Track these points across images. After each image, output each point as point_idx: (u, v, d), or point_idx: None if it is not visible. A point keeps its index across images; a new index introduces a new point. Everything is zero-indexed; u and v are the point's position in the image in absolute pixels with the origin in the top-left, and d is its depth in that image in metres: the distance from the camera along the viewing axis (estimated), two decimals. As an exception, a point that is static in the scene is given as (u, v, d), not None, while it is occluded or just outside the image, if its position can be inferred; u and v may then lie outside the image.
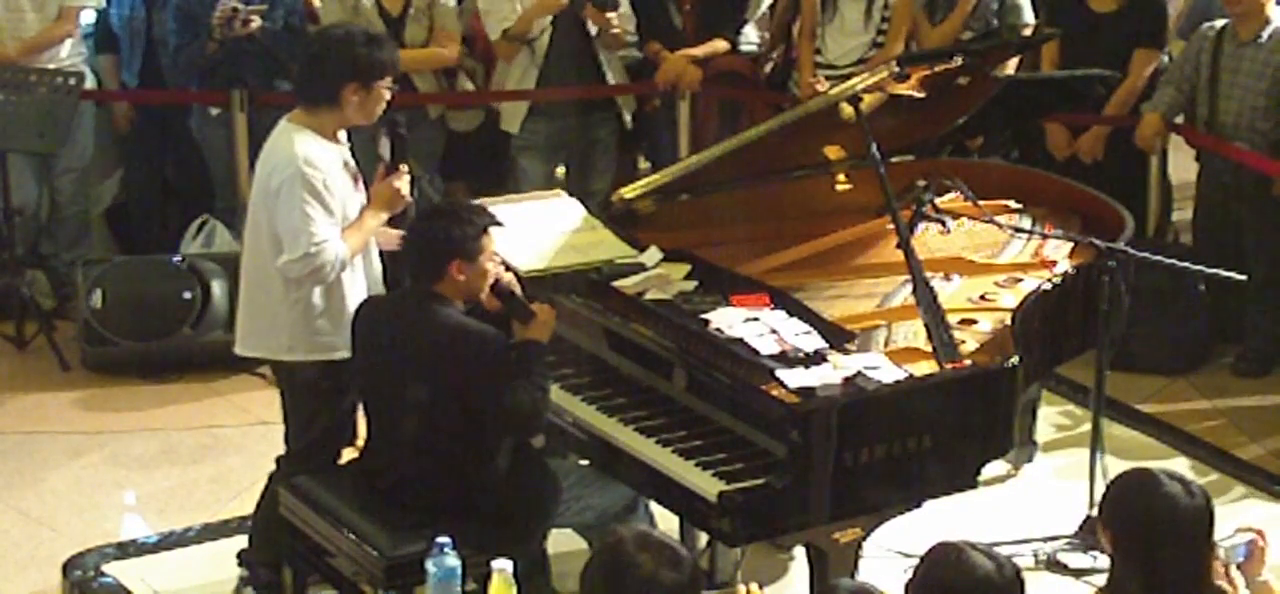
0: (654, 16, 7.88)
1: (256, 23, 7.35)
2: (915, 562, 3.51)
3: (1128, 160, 7.49)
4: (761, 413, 4.55)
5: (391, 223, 5.23)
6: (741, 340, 4.67)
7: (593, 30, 7.60)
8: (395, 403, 4.77)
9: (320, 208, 4.92)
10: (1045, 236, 5.59)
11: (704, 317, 4.82)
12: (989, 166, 6.56)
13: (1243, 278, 5.87)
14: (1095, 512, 4.90)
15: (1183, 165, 7.87)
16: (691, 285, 5.08)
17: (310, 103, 5.05)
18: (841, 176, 5.58)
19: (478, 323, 4.73)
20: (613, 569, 3.40)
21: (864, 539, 4.59)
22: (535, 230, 5.37)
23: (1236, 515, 5.30)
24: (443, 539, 4.28)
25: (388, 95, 5.07)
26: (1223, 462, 6.51)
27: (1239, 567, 3.93)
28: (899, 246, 4.97)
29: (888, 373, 4.56)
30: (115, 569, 5.67)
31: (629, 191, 5.57)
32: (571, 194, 5.91)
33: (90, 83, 7.73)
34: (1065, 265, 5.47)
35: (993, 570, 3.43)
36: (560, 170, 8.06)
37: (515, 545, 4.47)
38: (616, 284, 5.12)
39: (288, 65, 7.63)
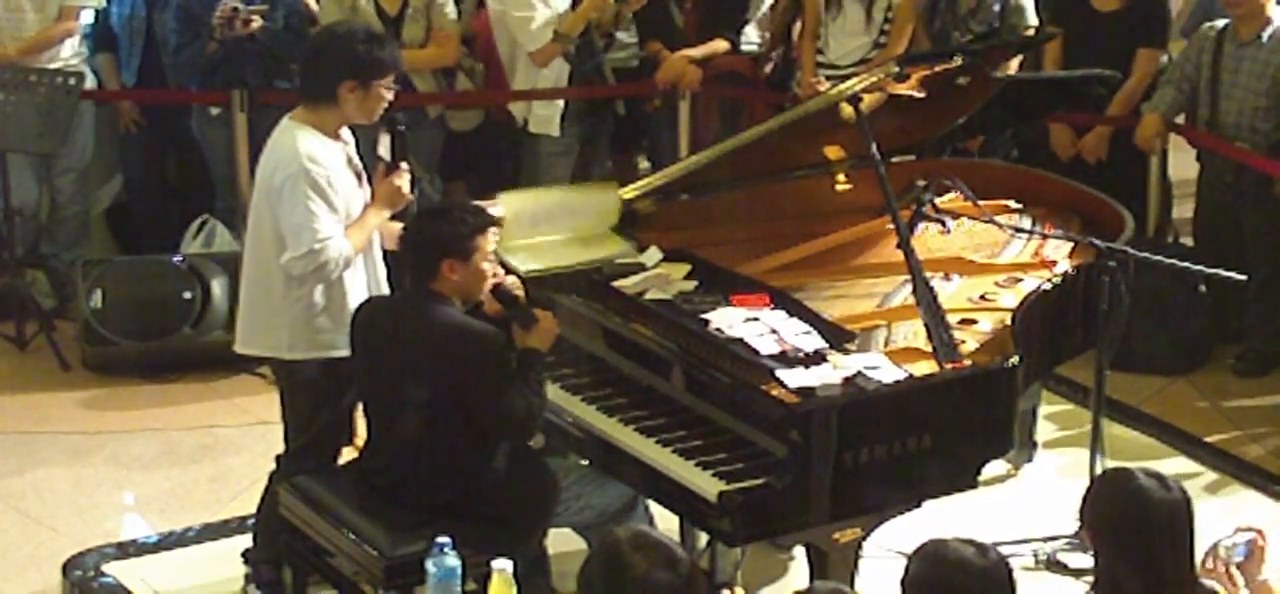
0: (654, 16, 7.87)
1: (257, 22, 7.35)
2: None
3: (1128, 160, 7.49)
4: (761, 413, 4.55)
5: (394, 222, 5.24)
6: (741, 340, 4.68)
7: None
8: (395, 403, 4.77)
9: (324, 205, 4.92)
10: (1045, 236, 5.59)
11: (704, 317, 4.82)
12: (989, 166, 6.55)
13: (1243, 278, 5.87)
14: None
15: (1183, 165, 7.87)
16: (691, 285, 5.08)
17: (311, 100, 5.05)
18: (841, 176, 5.58)
19: (477, 322, 4.73)
20: (609, 569, 3.40)
21: (864, 539, 4.59)
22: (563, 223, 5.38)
23: (1236, 515, 5.29)
24: (443, 539, 4.28)
25: (389, 95, 5.07)
26: (1223, 462, 6.52)
27: (1239, 566, 3.94)
28: (899, 246, 4.97)
29: (888, 373, 4.56)
30: (115, 569, 5.67)
31: (629, 192, 5.57)
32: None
33: (90, 83, 7.73)
34: (1065, 265, 5.47)
35: (977, 559, 3.45)
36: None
37: (515, 545, 4.48)
38: (616, 284, 5.12)
39: (288, 65, 7.65)
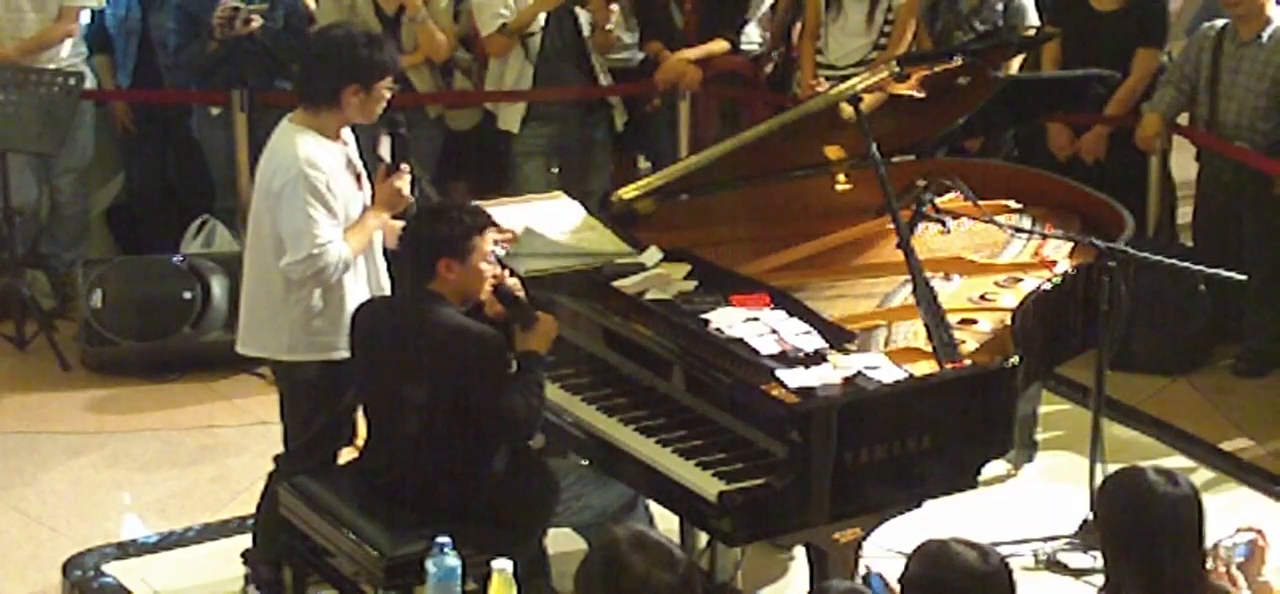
0: (654, 16, 7.88)
1: (257, 22, 7.36)
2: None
3: (1128, 160, 7.49)
4: (761, 413, 4.55)
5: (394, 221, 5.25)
6: (741, 340, 4.67)
7: (585, 31, 7.59)
8: (394, 403, 4.77)
9: (323, 210, 4.92)
10: (1045, 236, 5.59)
11: (704, 317, 4.82)
12: (989, 166, 6.55)
13: (1243, 278, 5.87)
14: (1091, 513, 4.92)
15: (1183, 165, 7.87)
16: (691, 285, 5.08)
17: (311, 103, 5.05)
18: (841, 176, 5.58)
19: (476, 323, 4.73)
20: (608, 569, 3.40)
21: (864, 539, 4.59)
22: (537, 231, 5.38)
23: (1237, 515, 5.29)
24: (443, 539, 4.28)
25: (388, 95, 5.07)
26: (1223, 462, 6.52)
27: (1239, 566, 3.94)
28: (899, 246, 4.97)
29: (888, 373, 4.56)
30: (115, 569, 5.67)
31: (629, 191, 5.57)
32: (568, 195, 5.91)
33: (90, 83, 7.73)
34: (1065, 265, 5.47)
35: (978, 561, 3.45)
36: (553, 170, 8.05)
37: (515, 545, 4.47)
38: (616, 284, 5.11)
39: (288, 65, 7.65)
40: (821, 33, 7.58)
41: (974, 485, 4.73)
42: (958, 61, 5.35)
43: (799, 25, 7.87)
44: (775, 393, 4.50)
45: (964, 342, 4.83)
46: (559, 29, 7.54)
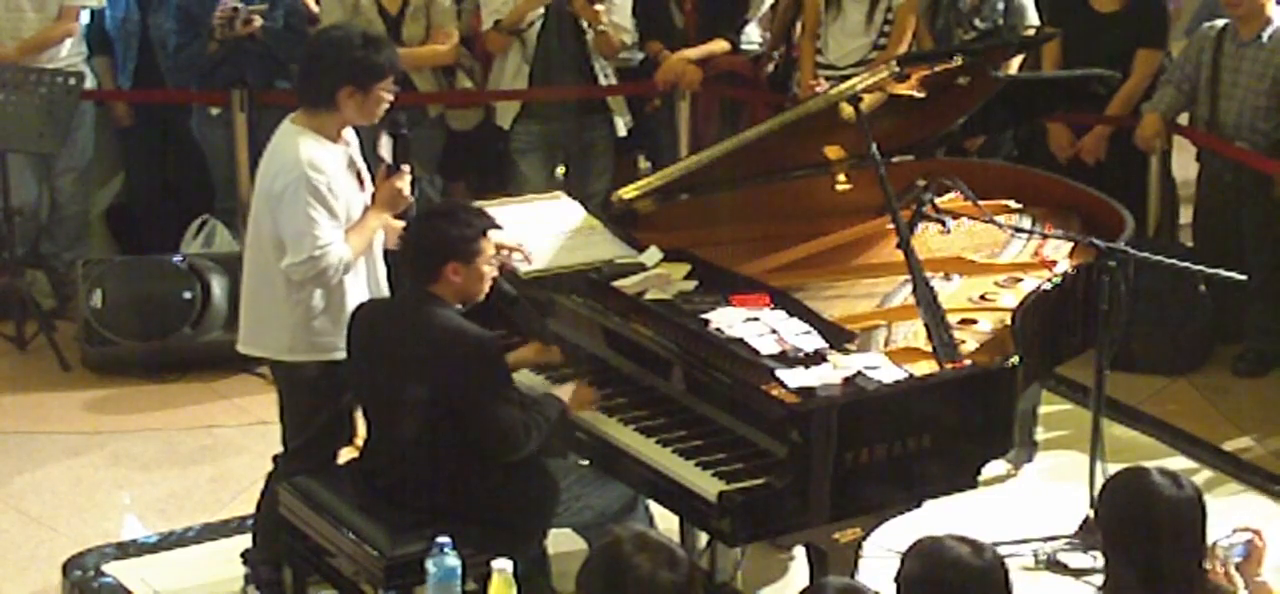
0: (654, 16, 7.88)
1: (257, 22, 7.36)
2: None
3: (1129, 160, 7.49)
4: (761, 413, 4.55)
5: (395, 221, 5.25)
6: (741, 340, 4.67)
7: (588, 35, 7.58)
8: (392, 405, 4.77)
9: (324, 211, 4.92)
10: (1045, 236, 5.59)
11: (704, 317, 4.82)
12: (989, 166, 6.55)
13: (1243, 278, 5.87)
14: (1092, 511, 4.92)
15: (1183, 165, 7.87)
16: (691, 285, 5.08)
17: (310, 105, 5.05)
18: (841, 176, 5.58)
19: (474, 326, 4.73)
20: (611, 570, 3.40)
21: (864, 539, 4.59)
22: (536, 231, 5.37)
23: (1236, 515, 5.29)
24: (443, 539, 4.28)
25: (389, 97, 5.07)
26: (1223, 462, 6.52)
27: (1237, 566, 3.94)
28: (899, 246, 4.97)
29: (888, 373, 4.56)
30: (115, 569, 5.67)
31: (629, 191, 5.57)
32: (571, 196, 5.91)
33: (90, 83, 7.73)
34: (1065, 265, 5.47)
35: (972, 556, 3.45)
36: (559, 171, 8.06)
37: (514, 548, 4.47)
38: (616, 284, 5.11)
39: (288, 65, 7.65)
40: (821, 32, 7.58)
41: (974, 485, 4.73)
42: (958, 61, 5.35)
43: (799, 24, 7.87)
44: (775, 393, 4.50)
45: (964, 342, 4.83)
46: (559, 31, 7.54)
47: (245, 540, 5.46)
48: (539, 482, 4.83)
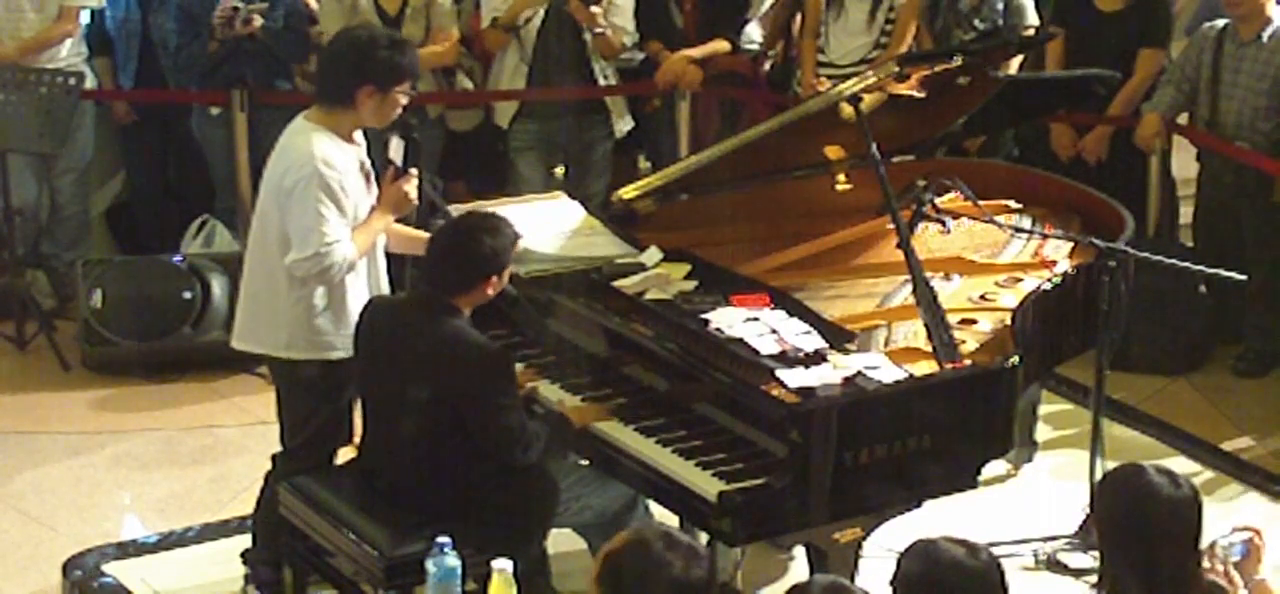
0: (654, 16, 7.87)
1: (257, 22, 7.36)
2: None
3: (1129, 160, 7.49)
4: (761, 413, 4.55)
5: (398, 222, 5.25)
6: (741, 340, 4.67)
7: (587, 36, 7.58)
8: (397, 405, 4.76)
9: (334, 209, 4.92)
10: (1045, 236, 5.59)
11: (704, 317, 4.82)
12: (989, 166, 6.56)
13: (1243, 278, 5.86)
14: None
15: (1183, 165, 7.87)
16: (691, 285, 5.08)
17: (327, 102, 5.05)
18: (841, 176, 5.58)
19: (487, 340, 4.76)
20: (645, 570, 3.39)
21: (864, 539, 4.59)
22: (536, 231, 5.38)
23: (1236, 515, 5.30)
24: (443, 539, 4.28)
25: (404, 100, 5.07)
26: (1223, 462, 6.52)
27: (1236, 565, 3.94)
28: (899, 246, 4.97)
29: (888, 373, 4.56)
30: (115, 569, 5.67)
31: (629, 191, 5.58)
32: (570, 196, 5.92)
33: (90, 83, 7.73)
34: (1065, 265, 5.47)
35: (967, 557, 3.46)
36: (559, 171, 8.06)
37: (515, 547, 4.47)
38: (616, 284, 5.11)
39: (288, 65, 7.66)
40: (822, 31, 7.58)
41: (974, 485, 4.73)
42: (958, 61, 5.35)
43: (798, 21, 7.87)
44: (775, 393, 4.50)
45: (964, 342, 4.83)
46: (558, 30, 7.53)
47: (245, 540, 5.46)
48: (539, 483, 4.83)
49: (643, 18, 7.82)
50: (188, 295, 7.22)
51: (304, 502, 4.91)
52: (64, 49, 7.62)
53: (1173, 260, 5.96)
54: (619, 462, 4.77)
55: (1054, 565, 5.59)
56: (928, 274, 4.98)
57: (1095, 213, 5.89)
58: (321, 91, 5.12)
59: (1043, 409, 6.50)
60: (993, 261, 5.54)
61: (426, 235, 5.34)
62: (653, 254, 5.25)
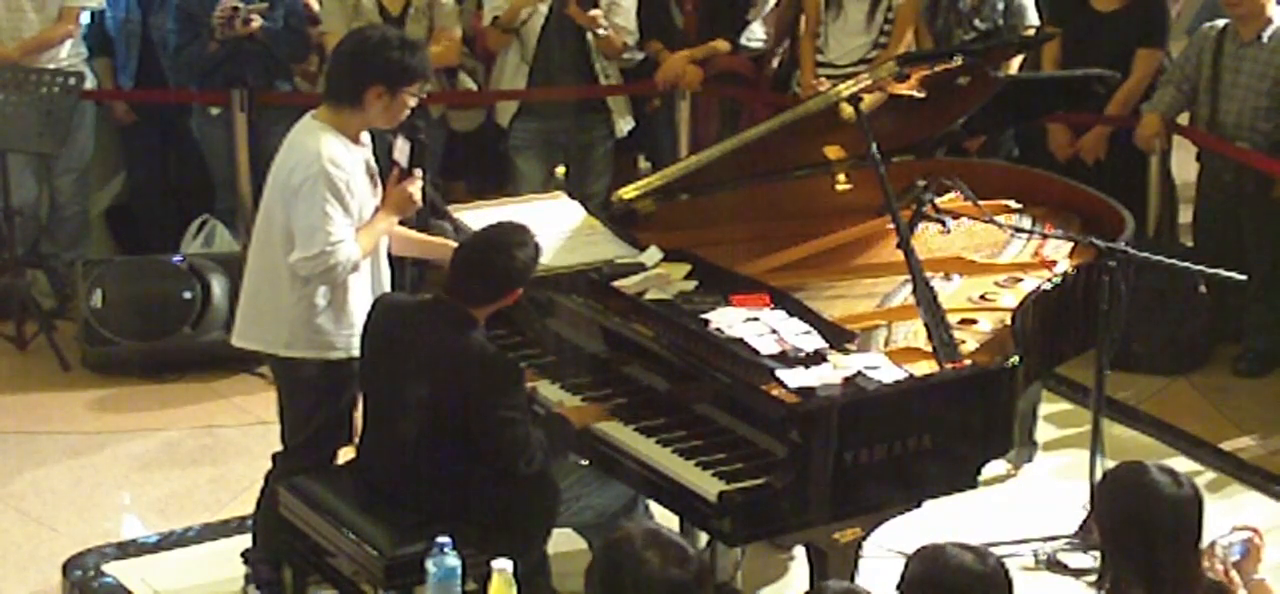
0: (654, 16, 7.87)
1: (257, 22, 7.36)
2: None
3: (1129, 160, 7.49)
4: (761, 413, 4.55)
5: (402, 224, 5.25)
6: (741, 340, 4.67)
7: (589, 36, 7.58)
8: (402, 406, 4.75)
9: (340, 208, 4.92)
10: (1045, 236, 5.59)
11: (704, 317, 4.82)
12: (989, 166, 6.55)
13: (1243, 278, 5.87)
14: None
15: (1183, 165, 7.88)
16: (691, 285, 5.08)
17: (335, 102, 5.04)
18: (841, 176, 5.58)
19: (501, 354, 4.79)
20: (623, 567, 3.39)
21: (864, 539, 4.59)
22: (536, 231, 5.37)
23: (1236, 515, 5.29)
24: (443, 539, 4.28)
25: (413, 102, 5.06)
26: (1223, 462, 6.52)
27: (1236, 565, 3.94)
28: (899, 246, 4.97)
29: (888, 373, 4.56)
30: (115, 569, 5.67)
31: (629, 191, 5.58)
32: (571, 196, 5.91)
33: (90, 83, 7.73)
34: (1065, 265, 5.47)
35: (975, 562, 3.46)
36: (560, 171, 8.06)
37: (515, 549, 4.46)
38: (616, 284, 5.11)
39: (288, 65, 7.65)
40: (821, 31, 7.58)
41: (974, 485, 4.73)
42: (958, 61, 5.35)
43: (801, 22, 7.86)
44: (775, 393, 4.50)
45: (964, 342, 4.83)
46: (559, 30, 7.53)
47: (245, 540, 5.46)
48: (540, 485, 4.82)
49: (643, 18, 7.82)
50: (188, 295, 7.22)
51: (304, 502, 4.91)
52: (64, 49, 7.63)
53: (1173, 260, 5.97)
54: (619, 462, 4.77)
55: (1054, 565, 5.59)
56: (928, 274, 4.98)
57: (1095, 213, 5.89)
58: (330, 91, 5.12)
59: (1043, 409, 6.50)
60: (993, 262, 5.54)
61: (429, 239, 5.35)
62: (653, 254, 5.25)
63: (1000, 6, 7.44)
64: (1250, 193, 7.18)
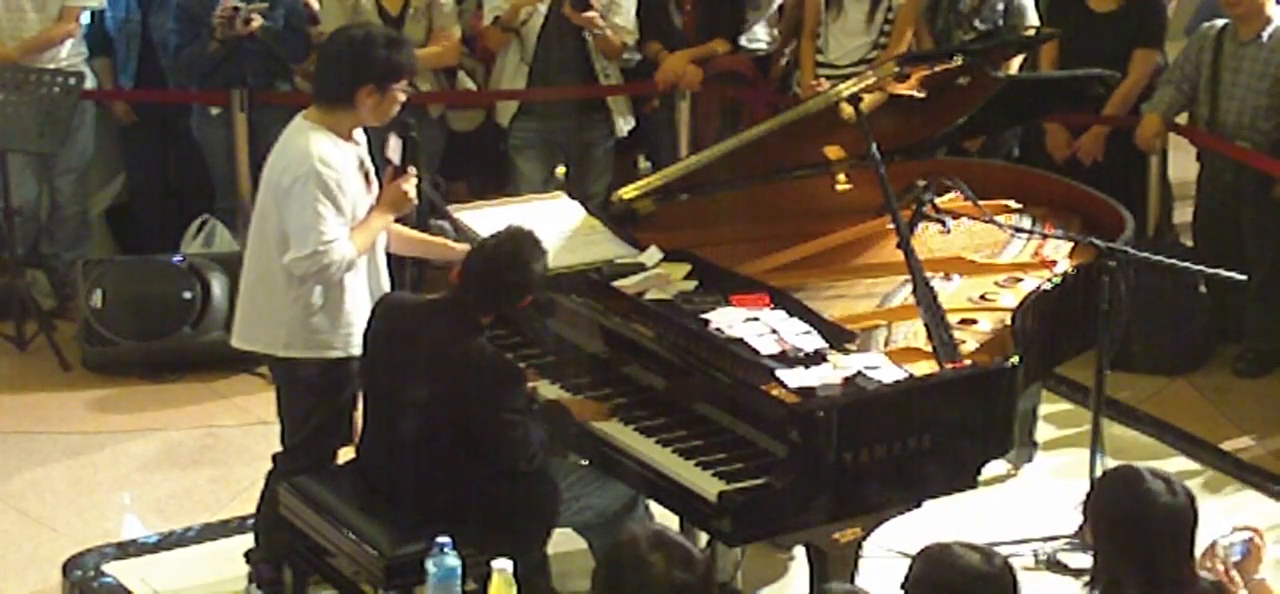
0: (654, 16, 7.87)
1: (257, 22, 7.36)
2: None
3: (1128, 160, 7.49)
4: (761, 413, 4.55)
5: (398, 222, 5.25)
6: (741, 340, 4.68)
7: (588, 36, 7.58)
8: (404, 406, 4.75)
9: (332, 207, 4.92)
10: (1045, 236, 5.59)
11: (704, 316, 4.82)
12: (989, 166, 6.55)
13: (1243, 278, 5.87)
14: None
15: (1183, 165, 7.88)
16: (691, 285, 5.08)
17: (325, 101, 5.05)
18: (841, 176, 5.58)
19: (506, 360, 4.80)
20: (625, 568, 3.39)
21: (864, 539, 4.59)
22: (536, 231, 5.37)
23: (1236, 515, 5.29)
24: (443, 539, 4.28)
25: (403, 98, 5.07)
26: (1223, 462, 6.52)
27: (1236, 565, 3.95)
28: (899, 246, 4.97)
29: (888, 373, 4.56)
30: (115, 569, 5.67)
31: (629, 191, 5.58)
32: (571, 196, 5.91)
33: (91, 83, 7.73)
34: (1065, 265, 5.47)
35: (982, 563, 3.46)
36: (560, 171, 8.06)
37: (515, 549, 4.46)
38: (616, 284, 5.12)
39: (288, 65, 7.65)
40: (821, 31, 7.58)
41: (974, 485, 4.73)
42: (958, 61, 5.35)
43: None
44: (775, 393, 4.50)
45: (964, 342, 4.83)
46: (559, 30, 7.53)
47: (245, 540, 5.46)
48: (540, 485, 4.82)
49: (643, 18, 7.82)
50: (188, 295, 7.22)
51: (304, 501, 4.91)
52: (64, 49, 7.62)
53: (1173, 260, 5.97)
54: (619, 462, 4.77)
55: (1054, 565, 5.59)
56: (928, 274, 4.99)
57: (1095, 213, 5.89)
58: (319, 91, 5.13)
59: (1043, 409, 6.50)
60: (993, 261, 5.54)
61: (429, 239, 5.34)
62: (653, 254, 5.25)
63: (1000, 7, 7.44)
64: (1250, 192, 7.18)
